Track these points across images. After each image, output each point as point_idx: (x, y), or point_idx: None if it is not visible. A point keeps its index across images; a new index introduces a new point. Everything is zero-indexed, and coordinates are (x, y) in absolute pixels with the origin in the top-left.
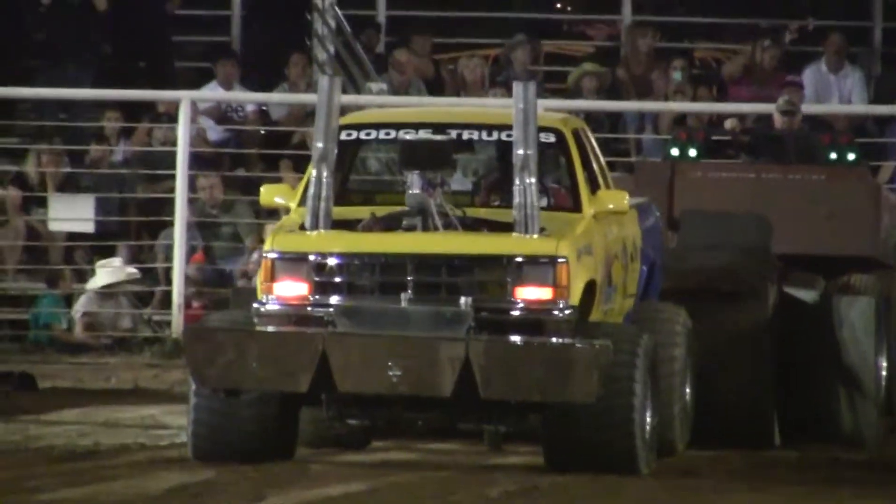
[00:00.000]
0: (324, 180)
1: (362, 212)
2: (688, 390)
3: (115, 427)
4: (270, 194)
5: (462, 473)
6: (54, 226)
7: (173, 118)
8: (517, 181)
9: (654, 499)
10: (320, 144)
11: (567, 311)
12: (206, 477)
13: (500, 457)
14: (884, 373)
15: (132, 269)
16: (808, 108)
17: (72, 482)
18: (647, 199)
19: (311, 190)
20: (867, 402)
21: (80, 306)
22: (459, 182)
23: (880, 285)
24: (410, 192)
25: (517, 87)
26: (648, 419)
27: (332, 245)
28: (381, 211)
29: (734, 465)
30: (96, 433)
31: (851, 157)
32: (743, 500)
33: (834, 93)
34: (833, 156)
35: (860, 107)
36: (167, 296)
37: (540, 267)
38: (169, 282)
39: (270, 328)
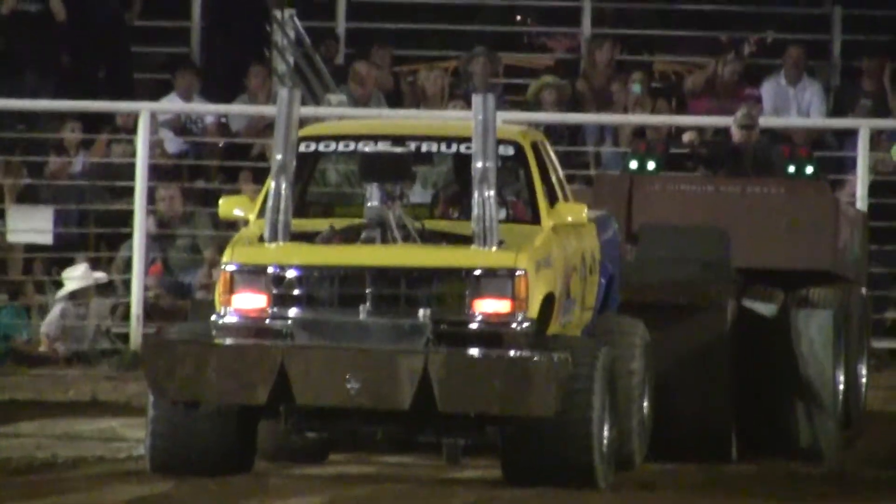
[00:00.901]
0: (283, 192)
1: (321, 224)
2: (646, 404)
3: (73, 439)
4: (229, 206)
5: (420, 486)
6: (13, 237)
7: (132, 129)
8: (476, 193)
9: None
10: (279, 156)
11: (525, 324)
12: (164, 489)
13: (458, 470)
14: (841, 386)
15: (100, 274)
16: (766, 121)
17: (29, 494)
18: (606, 212)
19: (270, 202)
20: (825, 416)
21: (52, 319)
22: (419, 195)
23: (839, 299)
24: (369, 204)
25: (476, 98)
26: (606, 433)
27: (290, 257)
28: (340, 223)
29: (692, 480)
30: (54, 445)
31: (810, 170)
32: None
33: (793, 106)
34: (791, 169)
35: (819, 120)
36: (126, 308)
37: (498, 280)
38: (128, 293)
39: (229, 341)
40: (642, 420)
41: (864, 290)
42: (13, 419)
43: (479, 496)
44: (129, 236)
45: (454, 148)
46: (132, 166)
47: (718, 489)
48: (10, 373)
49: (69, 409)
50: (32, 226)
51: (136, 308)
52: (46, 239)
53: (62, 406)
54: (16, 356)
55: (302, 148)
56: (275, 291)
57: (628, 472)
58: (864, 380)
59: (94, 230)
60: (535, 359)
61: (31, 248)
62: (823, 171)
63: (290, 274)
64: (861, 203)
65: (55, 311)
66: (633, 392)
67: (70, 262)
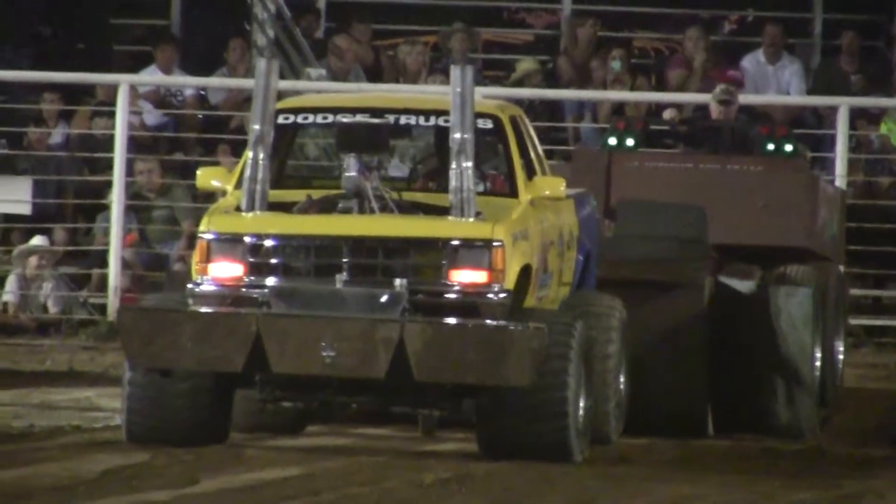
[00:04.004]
0: (260, 162)
1: (299, 195)
2: (622, 380)
3: (49, 409)
4: (207, 177)
5: (396, 459)
6: None
7: (111, 102)
8: (453, 165)
9: (587, 487)
10: (257, 127)
11: (502, 295)
12: (140, 460)
13: (434, 443)
14: (818, 363)
15: (37, 240)
16: (745, 98)
17: (5, 464)
18: (585, 190)
19: (248, 172)
20: (804, 393)
21: (9, 287)
22: (397, 168)
23: (817, 277)
24: (346, 174)
25: (454, 70)
26: (582, 406)
27: (267, 226)
28: (318, 194)
29: (667, 455)
30: (31, 415)
31: (789, 148)
32: (677, 489)
33: (772, 83)
34: (770, 147)
35: (798, 98)
36: (103, 279)
37: (475, 250)
38: (105, 264)
39: (204, 308)
40: (619, 397)
41: (841, 268)
42: None
43: (455, 470)
44: (107, 208)
45: (432, 121)
46: (111, 138)
47: (693, 464)
48: None
49: (46, 379)
50: (10, 196)
51: (112, 279)
52: (25, 209)
53: (39, 376)
54: None
55: (280, 120)
56: (251, 260)
57: (604, 446)
58: (841, 357)
59: (72, 201)
60: (511, 328)
61: (9, 218)
62: (802, 150)
63: (267, 243)
64: (840, 181)
65: (11, 280)
66: (610, 368)
67: (47, 233)
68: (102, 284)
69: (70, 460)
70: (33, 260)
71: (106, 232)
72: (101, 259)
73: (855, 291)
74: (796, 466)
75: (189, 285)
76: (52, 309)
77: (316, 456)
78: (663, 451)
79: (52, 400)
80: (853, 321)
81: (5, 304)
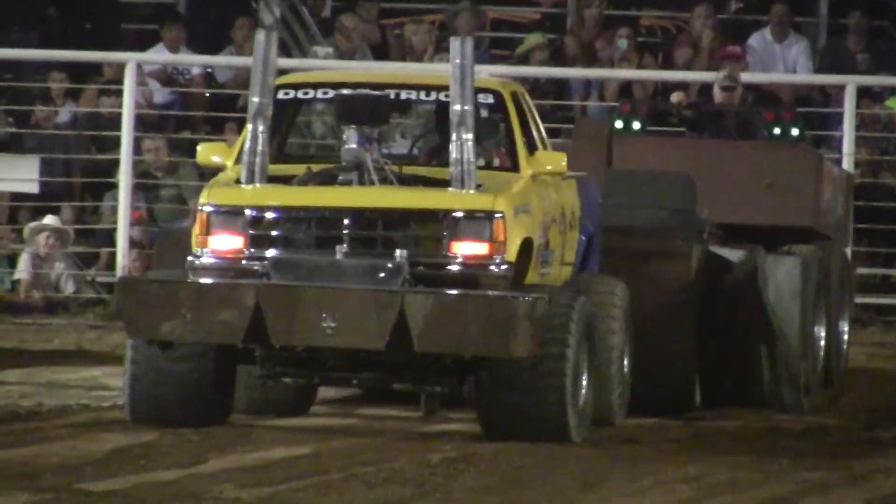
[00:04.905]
0: (259, 135)
1: (299, 169)
2: (626, 363)
3: (57, 388)
4: (207, 153)
5: (403, 439)
6: None
7: (119, 80)
8: (454, 136)
9: (596, 466)
10: (256, 99)
11: (503, 267)
12: (148, 439)
13: (440, 424)
14: (822, 343)
15: (48, 220)
16: (752, 77)
17: (13, 443)
18: (588, 175)
19: (247, 145)
20: (790, 365)
21: (22, 266)
22: (401, 146)
23: (819, 255)
24: (346, 146)
25: (454, 42)
26: (584, 386)
27: (267, 198)
28: (318, 167)
29: (675, 435)
30: (39, 394)
31: (795, 132)
32: (685, 469)
33: (779, 62)
34: (777, 131)
35: (805, 77)
36: (111, 257)
37: (476, 222)
38: (113, 243)
39: (204, 280)
40: (622, 380)
41: (848, 251)
42: None
43: (462, 450)
44: (115, 186)
45: (433, 96)
46: (118, 117)
47: (701, 444)
48: None
49: (54, 358)
50: (18, 175)
51: (121, 258)
52: (32, 188)
53: (47, 355)
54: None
55: (280, 95)
56: (251, 232)
57: (611, 427)
58: (845, 337)
59: (80, 180)
60: (511, 298)
61: (17, 196)
62: (807, 134)
63: (267, 215)
64: (847, 160)
65: (24, 258)
66: (613, 350)
67: (55, 211)
68: (110, 263)
69: (78, 439)
70: (41, 238)
71: (113, 211)
72: (109, 238)
73: (863, 270)
74: (804, 446)
75: (189, 257)
76: (70, 289)
77: (323, 435)
78: (671, 432)
79: (59, 379)
80: (861, 300)
81: (14, 282)
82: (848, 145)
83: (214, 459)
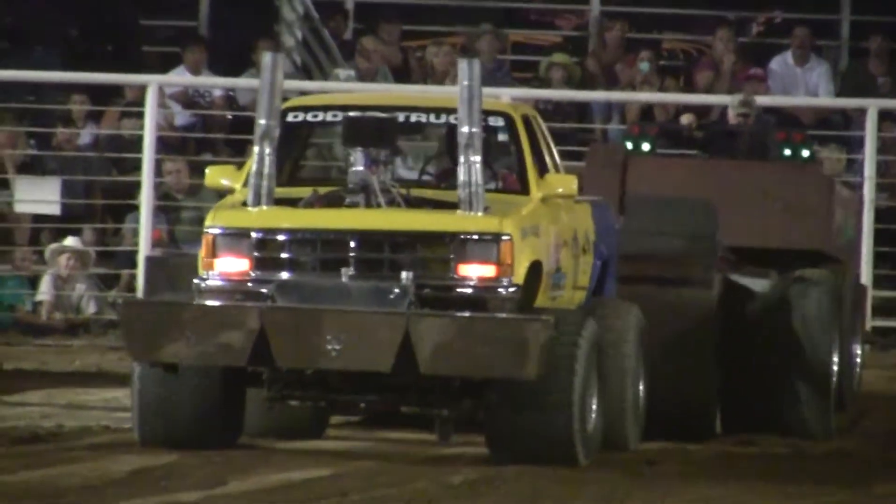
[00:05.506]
0: (266, 157)
1: (306, 192)
2: (641, 387)
3: (78, 409)
4: (216, 175)
5: (423, 461)
6: (20, 208)
7: (140, 102)
8: (462, 158)
9: (618, 487)
10: (263, 121)
11: (511, 290)
12: (169, 460)
13: (460, 446)
14: (835, 367)
15: (70, 241)
16: (773, 100)
17: (34, 464)
18: (603, 198)
19: (254, 167)
20: (819, 394)
21: (44, 288)
22: (410, 171)
23: (832, 279)
24: (353, 169)
25: (461, 64)
26: (594, 410)
27: (273, 221)
28: (325, 189)
29: (694, 458)
30: (59, 415)
31: (806, 154)
32: (707, 490)
33: (800, 85)
34: (787, 153)
35: (827, 100)
36: (132, 279)
37: (483, 244)
38: (134, 265)
39: (209, 302)
40: (637, 403)
41: (865, 272)
42: (19, 389)
43: (483, 472)
44: (136, 208)
45: (443, 119)
46: (139, 139)
47: (722, 466)
48: (15, 342)
49: (75, 380)
50: (39, 196)
51: (142, 280)
52: (54, 210)
53: (68, 376)
54: (20, 326)
55: (289, 118)
56: (257, 255)
57: (631, 452)
58: (858, 360)
59: (101, 201)
60: (517, 320)
61: (38, 218)
62: (817, 156)
63: (273, 237)
64: (868, 183)
65: (46, 280)
66: (626, 374)
67: (76, 233)
68: (131, 285)
69: (99, 460)
70: (62, 260)
71: (135, 232)
72: (130, 259)
73: (883, 293)
74: (825, 468)
75: (195, 280)
76: (91, 310)
77: (343, 457)
78: (692, 455)
79: (80, 400)
80: (881, 323)
81: (36, 304)
82: (869, 168)
83: (235, 481)
